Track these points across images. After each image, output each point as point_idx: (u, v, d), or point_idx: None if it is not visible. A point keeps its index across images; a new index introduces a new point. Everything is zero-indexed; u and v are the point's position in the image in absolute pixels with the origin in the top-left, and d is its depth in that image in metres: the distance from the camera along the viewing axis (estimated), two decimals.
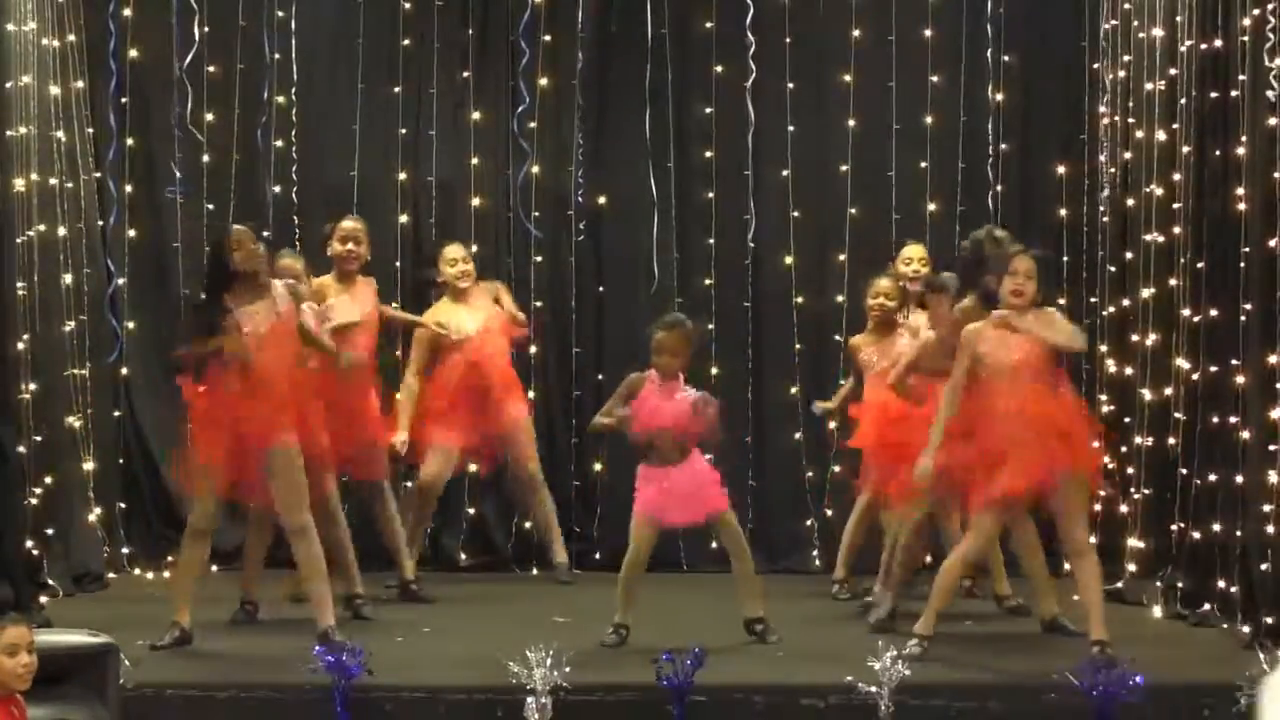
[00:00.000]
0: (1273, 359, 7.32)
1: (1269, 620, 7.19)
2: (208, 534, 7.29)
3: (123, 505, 9.63)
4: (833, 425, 9.34)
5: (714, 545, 9.76)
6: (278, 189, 9.86)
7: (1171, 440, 8.37)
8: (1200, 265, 8.08)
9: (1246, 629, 7.36)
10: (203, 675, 6.67)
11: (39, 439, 8.44)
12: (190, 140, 9.77)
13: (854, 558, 8.75)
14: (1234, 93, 7.76)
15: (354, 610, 7.91)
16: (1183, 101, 8.35)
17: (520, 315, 9.19)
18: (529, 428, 9.19)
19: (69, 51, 9.22)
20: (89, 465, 9.14)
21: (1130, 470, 8.81)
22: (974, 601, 8.34)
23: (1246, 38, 7.59)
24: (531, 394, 9.48)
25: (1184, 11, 8.32)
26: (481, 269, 9.26)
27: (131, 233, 9.79)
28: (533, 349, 9.76)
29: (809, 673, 6.73)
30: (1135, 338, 8.88)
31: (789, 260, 10.00)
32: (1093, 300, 9.59)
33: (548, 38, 10.01)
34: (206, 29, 9.75)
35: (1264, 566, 7.29)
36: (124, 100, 9.78)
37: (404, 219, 9.93)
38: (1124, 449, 8.96)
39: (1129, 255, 9.08)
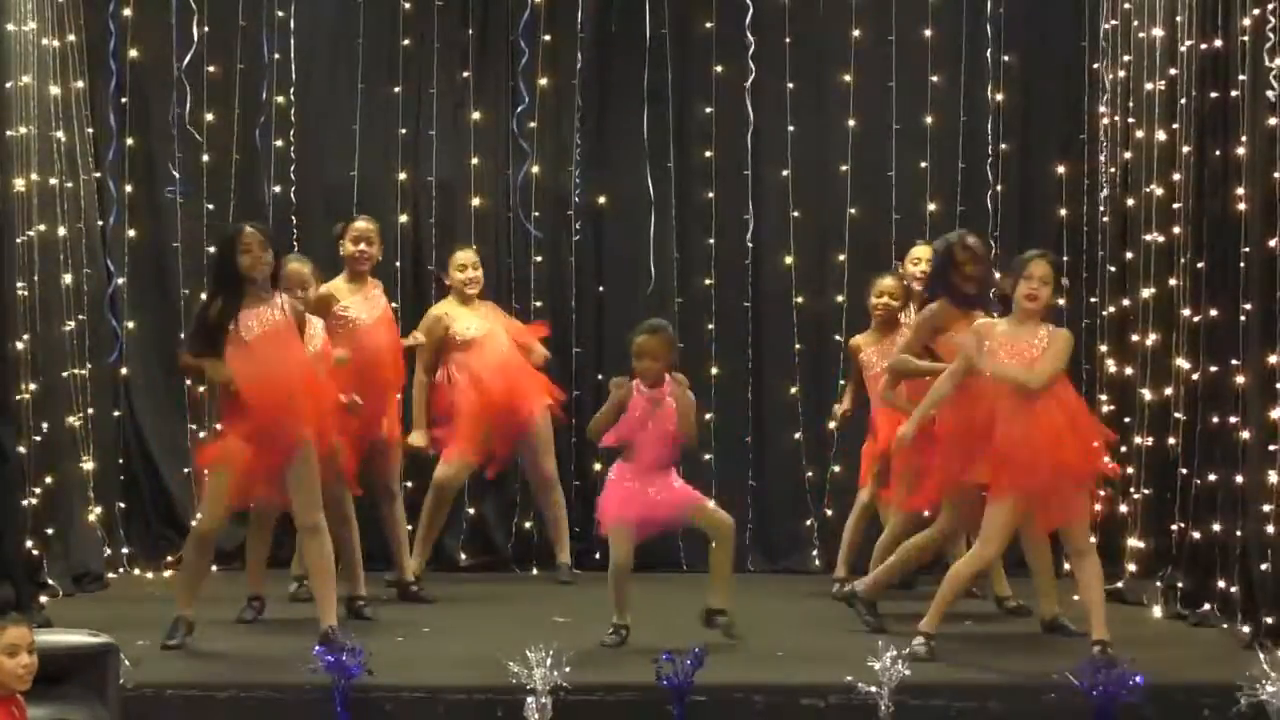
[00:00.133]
0: (1273, 359, 7.32)
1: (1269, 620, 7.19)
2: (214, 540, 7.29)
3: (122, 505, 9.62)
4: (832, 426, 9.34)
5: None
6: (277, 189, 9.86)
7: (1171, 440, 8.37)
8: (1200, 265, 8.08)
9: (1246, 629, 7.36)
10: (203, 675, 6.67)
11: (39, 439, 8.43)
12: (190, 140, 9.77)
13: (854, 557, 8.75)
14: (1234, 93, 7.76)
15: (355, 611, 7.91)
16: (1183, 101, 8.35)
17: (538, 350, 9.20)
18: (546, 427, 9.14)
19: (69, 51, 9.22)
20: (89, 465, 9.13)
21: (1130, 470, 8.81)
22: (974, 601, 8.33)
23: (1246, 38, 7.59)
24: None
25: (1184, 11, 8.32)
26: (481, 269, 9.23)
27: (131, 233, 9.79)
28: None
29: (809, 673, 6.73)
30: (1135, 338, 8.88)
31: (789, 260, 10.00)
32: (1093, 300, 9.59)
33: (547, 38, 10.01)
34: (206, 29, 9.75)
35: (1264, 566, 7.29)
36: (124, 100, 9.78)
37: (404, 219, 9.93)
38: (1124, 449, 8.96)
39: (1129, 255, 9.08)
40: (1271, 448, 7.31)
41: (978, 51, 10.00)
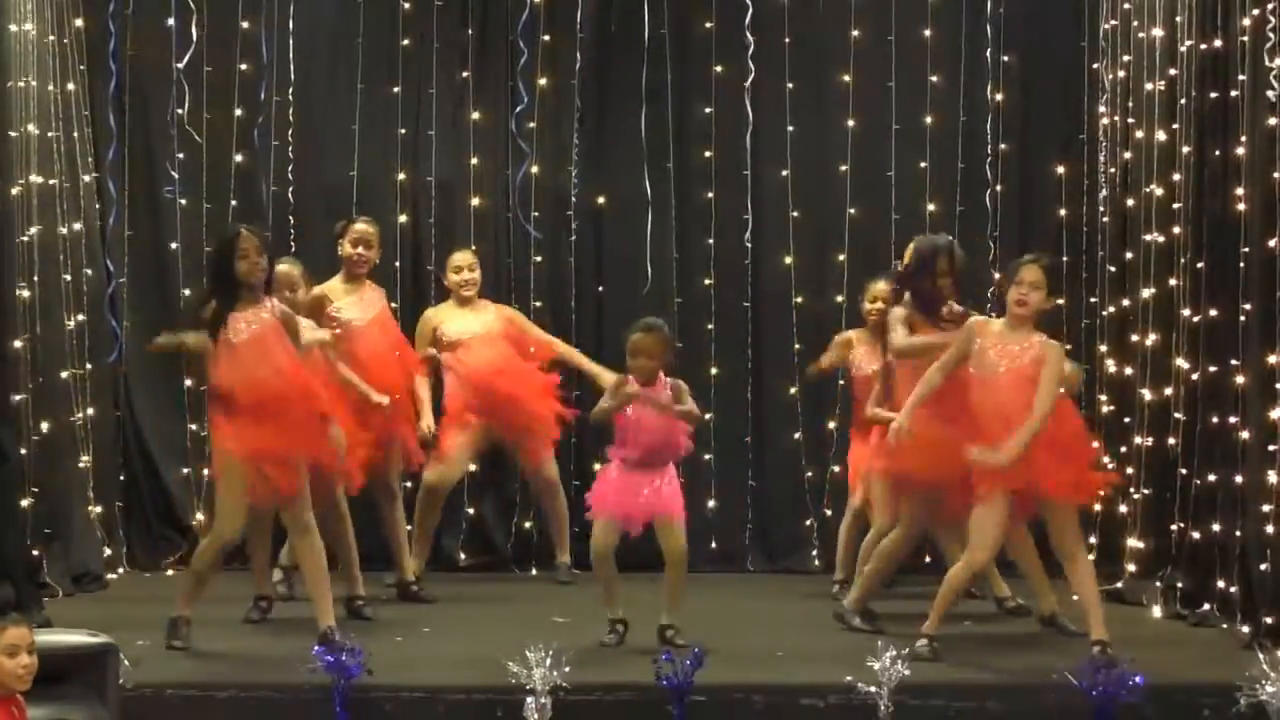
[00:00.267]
0: (1273, 359, 7.32)
1: (1269, 620, 7.19)
2: (230, 545, 7.28)
3: (122, 505, 9.62)
4: (832, 425, 9.35)
5: (713, 545, 9.83)
6: (276, 189, 9.86)
7: (1171, 440, 8.37)
8: (1200, 265, 8.08)
9: (1246, 629, 7.36)
10: (203, 675, 6.66)
11: (38, 439, 8.43)
12: (189, 140, 9.77)
13: (852, 559, 8.73)
14: (1234, 93, 7.76)
15: (354, 611, 7.91)
16: (1183, 101, 8.35)
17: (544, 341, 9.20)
18: (544, 431, 9.12)
19: (69, 51, 9.22)
20: (88, 465, 9.13)
21: (1130, 470, 8.81)
22: (974, 602, 8.33)
23: (1246, 38, 7.59)
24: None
25: (1184, 11, 8.32)
26: (481, 269, 9.22)
27: (131, 232, 9.80)
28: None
29: (809, 673, 6.73)
30: (1135, 338, 8.88)
31: (788, 260, 10.00)
32: (1093, 300, 9.59)
33: (547, 38, 10.00)
34: (206, 29, 9.75)
35: (1264, 566, 7.29)
36: (124, 100, 9.78)
37: (403, 219, 9.93)
38: (1124, 449, 8.97)
39: (1129, 255, 9.08)
40: (1271, 448, 7.31)
41: (977, 51, 10.00)
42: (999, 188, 9.98)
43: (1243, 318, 7.59)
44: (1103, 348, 9.38)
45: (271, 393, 7.03)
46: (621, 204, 10.07)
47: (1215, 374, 7.87)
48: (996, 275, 7.80)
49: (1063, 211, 9.90)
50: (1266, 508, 7.30)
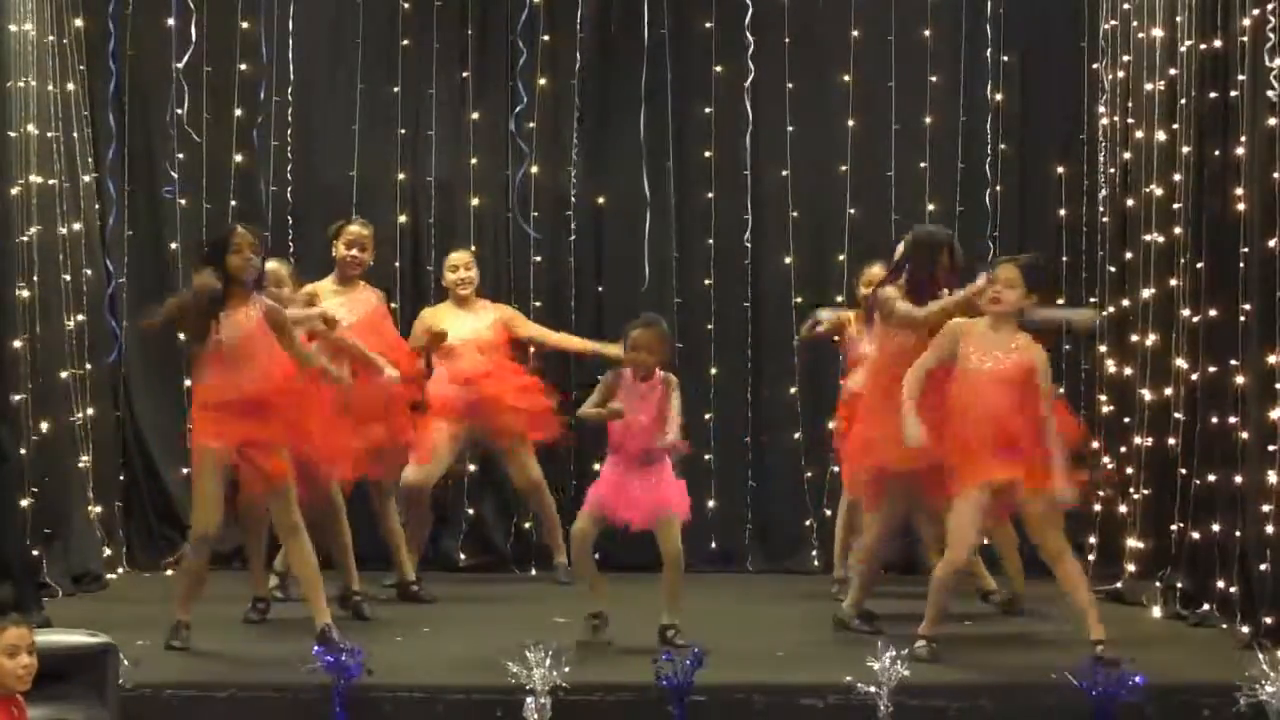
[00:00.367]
0: (1272, 359, 7.32)
1: (1268, 620, 7.20)
2: (212, 540, 7.29)
3: (122, 505, 9.62)
4: (832, 425, 9.34)
5: (713, 545, 9.83)
6: (276, 189, 9.86)
7: (1171, 440, 8.37)
8: (1200, 265, 8.09)
9: (1246, 629, 7.37)
10: (202, 675, 6.66)
11: (38, 439, 8.43)
12: (189, 140, 9.77)
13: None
14: (1234, 93, 7.76)
15: (353, 609, 7.91)
16: (1182, 102, 8.36)
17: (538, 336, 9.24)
18: (526, 433, 9.07)
19: (68, 51, 9.22)
20: (88, 465, 9.13)
21: (1130, 470, 8.82)
22: (973, 602, 8.32)
23: (1246, 38, 7.59)
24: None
25: (1184, 11, 8.32)
26: (481, 269, 9.23)
27: (130, 232, 9.80)
28: (531, 349, 9.78)
29: (808, 673, 6.73)
30: (1135, 338, 8.88)
31: (788, 260, 10.00)
32: (1093, 300, 9.58)
33: (546, 37, 10.00)
34: (205, 29, 9.75)
35: (1263, 567, 7.30)
36: (124, 100, 9.78)
37: (403, 219, 9.93)
38: (1124, 449, 8.97)
39: (1129, 256, 9.08)
40: (1271, 448, 7.31)
41: (977, 51, 10.00)
42: (999, 188, 9.98)
43: (1243, 318, 7.59)
44: (1103, 348, 9.38)
45: (255, 392, 7.05)
46: (621, 204, 10.07)
47: (1215, 374, 7.87)
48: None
49: (1063, 212, 9.90)
50: (1266, 508, 7.30)
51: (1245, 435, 7.55)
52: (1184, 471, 8.17)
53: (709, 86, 10.02)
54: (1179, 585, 8.14)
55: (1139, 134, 8.92)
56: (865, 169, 9.96)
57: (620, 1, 10.06)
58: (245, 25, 9.83)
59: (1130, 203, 9.07)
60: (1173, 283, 8.43)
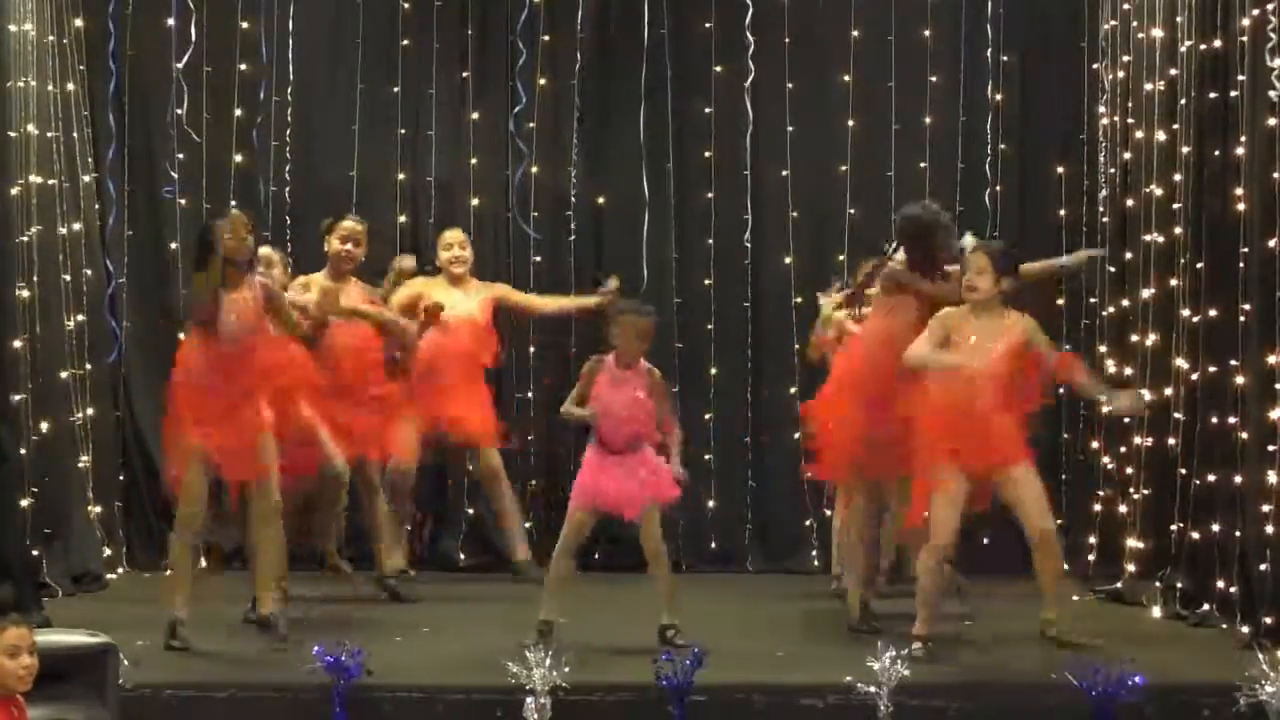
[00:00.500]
0: (1272, 359, 7.32)
1: (1268, 620, 7.20)
2: (195, 524, 7.27)
3: (122, 505, 9.62)
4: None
5: (713, 545, 9.84)
6: (275, 189, 9.86)
7: (1171, 440, 8.37)
8: (1200, 265, 8.08)
9: (1246, 629, 7.37)
10: (202, 675, 6.66)
11: (38, 439, 8.43)
12: (188, 140, 9.77)
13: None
14: (1234, 93, 7.76)
15: (390, 591, 8.25)
16: (1182, 102, 8.35)
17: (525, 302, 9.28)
18: (483, 421, 9.02)
19: (68, 51, 9.22)
20: (88, 465, 9.13)
21: (1130, 470, 8.81)
22: (972, 601, 8.32)
23: (1246, 38, 7.59)
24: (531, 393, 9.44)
25: (1184, 12, 8.32)
26: (481, 268, 9.24)
27: (130, 233, 9.80)
28: (531, 348, 9.79)
29: (808, 673, 6.73)
30: (1135, 338, 8.88)
31: (788, 260, 10.00)
32: (1092, 300, 9.59)
33: (546, 38, 10.01)
34: (205, 29, 9.75)
35: (1263, 566, 7.30)
36: (124, 100, 9.78)
37: (403, 219, 9.93)
38: (1124, 449, 8.97)
39: (1129, 255, 9.08)
40: (1271, 448, 7.31)
41: (977, 51, 10.00)
42: (999, 188, 9.98)
43: (1242, 318, 7.58)
44: (1103, 348, 9.38)
45: (245, 386, 7.15)
46: (621, 204, 10.07)
47: (1215, 374, 7.87)
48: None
49: (1062, 212, 9.90)
50: (1266, 508, 7.30)
51: (1245, 435, 7.55)
52: (1184, 471, 8.17)
53: (709, 86, 10.02)
54: (1179, 585, 8.14)
55: (1139, 134, 8.92)
56: (865, 169, 9.96)
57: (620, 1, 10.06)
58: (245, 25, 9.83)
59: (1130, 203, 9.07)
60: (1173, 283, 8.43)
